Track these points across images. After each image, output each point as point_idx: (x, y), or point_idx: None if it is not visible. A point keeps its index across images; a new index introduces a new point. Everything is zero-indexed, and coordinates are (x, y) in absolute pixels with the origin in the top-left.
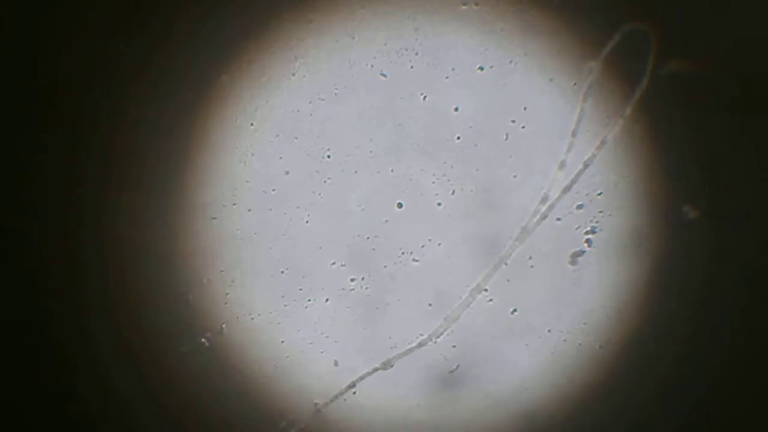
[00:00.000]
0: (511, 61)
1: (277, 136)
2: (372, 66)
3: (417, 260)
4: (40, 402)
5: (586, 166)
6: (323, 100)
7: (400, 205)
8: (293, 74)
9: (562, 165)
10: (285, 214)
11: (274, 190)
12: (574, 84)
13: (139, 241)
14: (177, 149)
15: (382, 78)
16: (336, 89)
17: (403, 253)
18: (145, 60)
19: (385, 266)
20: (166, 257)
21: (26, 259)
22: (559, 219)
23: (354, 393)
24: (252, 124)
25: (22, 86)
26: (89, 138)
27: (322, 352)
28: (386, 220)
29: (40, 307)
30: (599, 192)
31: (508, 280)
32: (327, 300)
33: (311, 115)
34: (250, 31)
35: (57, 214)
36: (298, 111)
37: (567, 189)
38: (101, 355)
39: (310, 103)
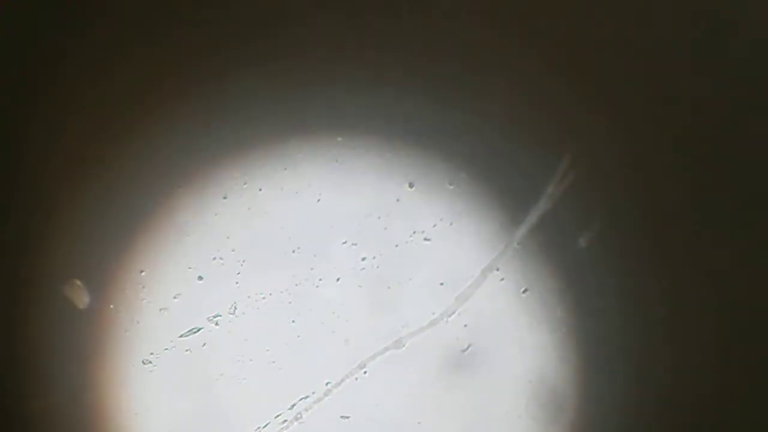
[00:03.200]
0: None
1: (290, 114)
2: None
3: (428, 239)
4: None
5: (599, 144)
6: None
7: (411, 185)
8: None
9: (572, 149)
10: (296, 193)
11: (285, 168)
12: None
13: (150, 216)
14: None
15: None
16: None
17: (414, 232)
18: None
19: (397, 245)
20: (176, 236)
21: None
22: (570, 200)
23: (365, 373)
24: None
25: None
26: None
27: (333, 332)
28: (398, 199)
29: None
30: (607, 177)
31: (519, 260)
32: (338, 279)
33: (322, 95)
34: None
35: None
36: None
37: (580, 168)
38: (102, 342)
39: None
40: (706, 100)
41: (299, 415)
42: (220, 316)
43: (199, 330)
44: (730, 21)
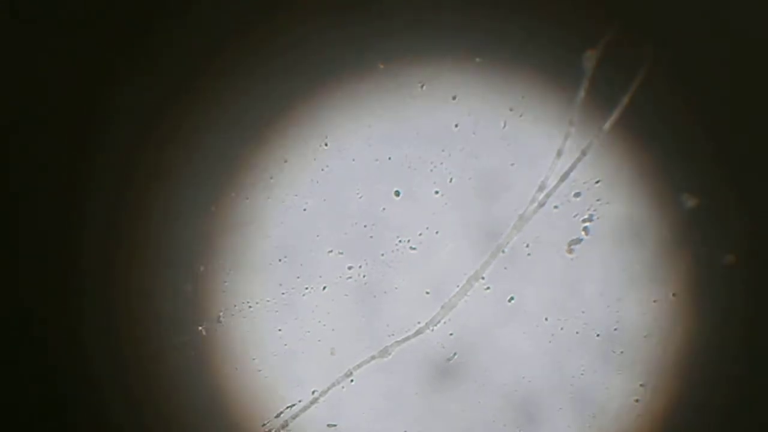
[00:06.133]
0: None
1: (275, 123)
2: (372, 53)
3: (414, 248)
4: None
5: (583, 154)
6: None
7: (397, 193)
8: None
9: (559, 153)
10: (283, 202)
11: (272, 178)
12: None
13: (137, 230)
14: (174, 142)
15: (380, 66)
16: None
17: (400, 240)
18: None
19: (383, 254)
20: (165, 246)
21: (23, 252)
22: (556, 207)
23: (351, 381)
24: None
25: None
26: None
27: (319, 340)
28: (384, 208)
29: (32, 304)
30: (597, 180)
31: (505, 268)
32: (324, 288)
33: (309, 102)
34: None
35: (57, 207)
36: (295, 98)
37: (564, 177)
38: (97, 347)
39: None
40: None
41: (286, 424)
42: (206, 324)
43: (186, 339)
44: None
